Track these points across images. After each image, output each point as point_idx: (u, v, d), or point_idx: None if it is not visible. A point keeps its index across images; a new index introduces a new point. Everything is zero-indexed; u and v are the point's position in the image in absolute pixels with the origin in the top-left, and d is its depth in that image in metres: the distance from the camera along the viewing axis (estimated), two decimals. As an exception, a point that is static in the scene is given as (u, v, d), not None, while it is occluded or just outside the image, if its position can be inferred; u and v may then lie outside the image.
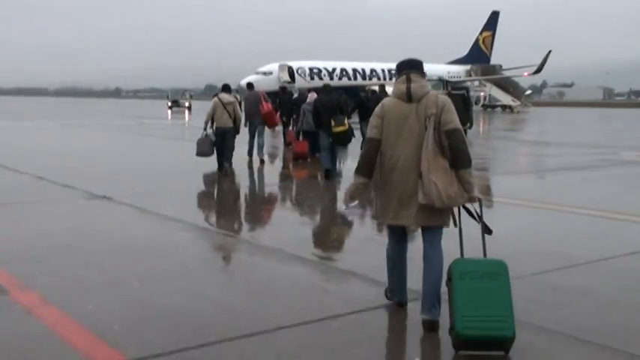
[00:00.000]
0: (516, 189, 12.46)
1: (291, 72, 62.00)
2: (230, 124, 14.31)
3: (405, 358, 4.60)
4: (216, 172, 14.27)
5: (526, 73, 70.71)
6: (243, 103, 17.74)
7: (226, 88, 15.08)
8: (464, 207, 4.88)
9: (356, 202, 5.35)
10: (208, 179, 13.78)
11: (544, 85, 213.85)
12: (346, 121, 13.16)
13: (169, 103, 66.69)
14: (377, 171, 5.02)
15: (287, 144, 20.56)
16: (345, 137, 13.14)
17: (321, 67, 65.55)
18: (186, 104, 65.28)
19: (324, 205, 11.40)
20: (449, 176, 4.70)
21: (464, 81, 65.25)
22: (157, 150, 21.44)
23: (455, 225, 4.88)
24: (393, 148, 4.89)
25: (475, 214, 4.86)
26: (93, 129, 32.36)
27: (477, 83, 70.84)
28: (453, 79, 56.32)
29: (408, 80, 4.91)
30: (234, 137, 14.58)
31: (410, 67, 4.99)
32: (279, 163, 18.19)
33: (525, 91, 77.70)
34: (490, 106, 71.38)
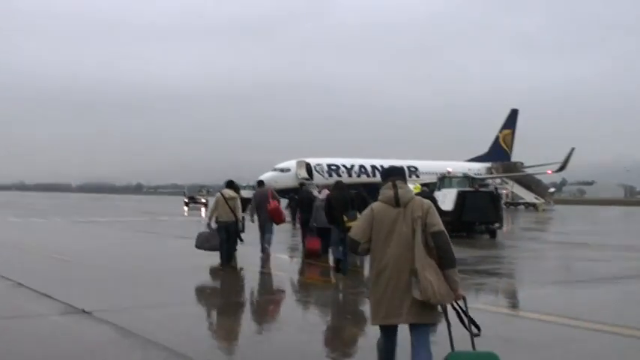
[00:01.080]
0: (557, 302, 10.88)
1: (309, 169, 61.46)
2: (232, 218, 14.82)
3: None
4: (218, 267, 14.25)
5: (549, 171, 69.70)
6: (252, 199, 18.31)
7: (230, 184, 15.63)
8: (452, 306, 5.17)
9: None
10: (209, 286, 12.46)
11: (564, 182, 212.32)
12: (358, 216, 12.92)
13: (186, 200, 66.05)
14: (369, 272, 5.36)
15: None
16: None
17: (339, 164, 65.00)
18: (203, 200, 64.60)
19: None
20: (439, 275, 5.03)
21: (488, 178, 64.32)
22: (161, 249, 20.03)
23: (446, 320, 5.18)
24: (382, 250, 5.19)
25: (462, 312, 5.16)
26: (102, 226, 31.35)
27: (498, 181, 69.67)
28: (477, 177, 55.29)
29: (394, 186, 5.31)
30: (237, 231, 14.97)
31: (395, 175, 5.42)
32: (290, 258, 17.90)
33: (549, 188, 76.34)
34: (513, 203, 69.95)
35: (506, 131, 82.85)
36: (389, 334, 5.35)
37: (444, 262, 5.09)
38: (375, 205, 5.37)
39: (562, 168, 65.67)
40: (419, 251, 5.06)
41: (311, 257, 16.46)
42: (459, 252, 18.94)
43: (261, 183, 19.94)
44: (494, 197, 25.34)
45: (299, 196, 20.68)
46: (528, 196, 69.05)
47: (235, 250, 15.17)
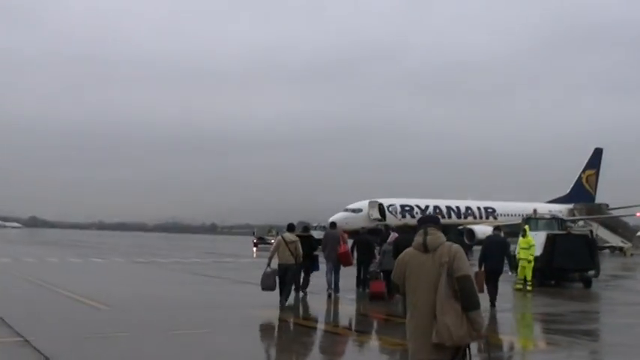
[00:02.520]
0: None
1: (381, 209, 59.12)
2: (292, 260, 15.45)
3: None
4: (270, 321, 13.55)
5: (639, 214, 65.21)
6: (323, 240, 18.92)
7: (291, 228, 16.38)
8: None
9: None
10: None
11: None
12: None
13: (255, 240, 64.47)
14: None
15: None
16: None
17: (413, 205, 62.30)
18: (272, 241, 62.89)
19: None
20: (460, 318, 5.28)
21: (571, 220, 60.54)
22: (211, 297, 17.73)
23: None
24: (413, 293, 5.53)
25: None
26: (159, 267, 29.69)
27: (581, 223, 65.49)
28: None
29: (425, 233, 5.59)
30: (295, 273, 15.94)
31: (428, 222, 5.71)
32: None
33: (637, 232, 71.41)
34: (598, 247, 65.40)
35: (590, 171, 78.82)
36: None
37: (468, 305, 5.32)
38: (408, 251, 5.71)
39: (653, 210, 61.28)
40: (440, 296, 5.34)
41: (375, 299, 16.66)
42: (551, 305, 16.38)
43: (333, 225, 20.22)
44: (589, 242, 22.34)
45: (356, 239, 19.81)
46: (614, 240, 64.47)
47: (290, 291, 15.85)
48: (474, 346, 5.55)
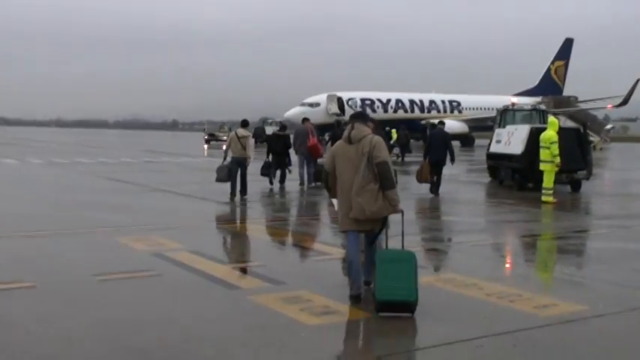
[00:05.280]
0: None
1: (340, 103, 55.67)
2: (244, 154, 16.09)
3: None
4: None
5: (610, 105, 62.79)
6: (294, 135, 20.08)
7: (244, 124, 17.15)
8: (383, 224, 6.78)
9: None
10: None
11: (607, 119, 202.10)
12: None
13: (206, 137, 60.84)
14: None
15: None
16: None
17: (374, 99, 58.97)
18: (224, 138, 59.42)
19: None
20: (373, 197, 6.53)
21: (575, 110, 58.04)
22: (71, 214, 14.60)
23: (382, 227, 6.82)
24: (341, 176, 6.79)
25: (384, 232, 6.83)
26: (74, 170, 26.06)
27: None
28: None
29: (352, 128, 6.81)
30: (246, 166, 16.32)
31: (356, 118, 6.97)
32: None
33: (605, 125, 69.21)
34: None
35: (559, 62, 75.97)
36: (351, 238, 6.92)
37: (385, 185, 6.54)
38: (338, 143, 6.98)
39: (625, 102, 58.80)
40: (358, 179, 6.57)
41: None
42: (533, 223, 13.41)
43: (304, 120, 20.92)
44: (580, 137, 19.00)
45: (332, 135, 20.58)
46: (584, 134, 62.25)
47: (246, 184, 16.42)
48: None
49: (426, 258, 9.19)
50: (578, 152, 18.34)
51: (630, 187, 20.86)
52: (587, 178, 18.84)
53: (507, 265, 9.16)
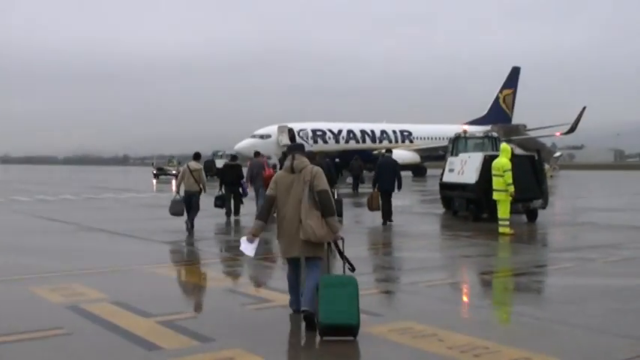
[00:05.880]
0: None
1: (292, 135, 54.80)
2: (196, 188, 16.43)
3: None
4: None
5: (558, 133, 63.41)
6: (248, 169, 20.11)
7: (196, 157, 17.27)
8: (334, 244, 7.09)
9: (257, 239, 7.28)
10: None
11: (553, 147, 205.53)
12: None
13: (154, 171, 59.26)
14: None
15: None
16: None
17: (325, 129, 58.29)
18: (173, 172, 58.01)
19: None
20: (320, 222, 6.92)
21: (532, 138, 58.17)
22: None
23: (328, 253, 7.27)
24: (283, 204, 7.15)
25: (339, 251, 7.01)
26: (17, 208, 24.55)
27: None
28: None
29: (293, 158, 7.23)
30: (199, 199, 16.50)
31: (295, 149, 7.37)
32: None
33: (553, 153, 69.86)
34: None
35: (507, 91, 76.65)
36: (292, 265, 7.43)
37: (325, 212, 6.94)
38: (279, 172, 7.46)
39: (572, 129, 59.36)
40: (304, 205, 6.97)
41: None
42: (492, 257, 12.62)
43: (257, 154, 20.87)
44: (534, 164, 18.38)
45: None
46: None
47: (195, 216, 16.47)
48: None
49: (380, 303, 8.28)
50: (533, 180, 17.72)
51: (586, 215, 20.28)
52: (544, 207, 18.21)
53: (468, 310, 8.24)
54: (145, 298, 8.49)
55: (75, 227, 17.68)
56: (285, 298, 7.78)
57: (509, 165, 15.16)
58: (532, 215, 17.91)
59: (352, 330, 6.41)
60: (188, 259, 12.99)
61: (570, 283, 9.50)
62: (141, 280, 10.15)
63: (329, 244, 7.17)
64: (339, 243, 7.03)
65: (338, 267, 7.09)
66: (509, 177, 15.05)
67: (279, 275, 9.58)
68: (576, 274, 10.32)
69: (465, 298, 8.87)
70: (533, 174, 17.80)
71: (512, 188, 15.07)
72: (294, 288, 7.38)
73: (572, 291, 8.87)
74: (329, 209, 6.92)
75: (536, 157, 18.32)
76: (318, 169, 7.09)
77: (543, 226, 17.40)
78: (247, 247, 7.29)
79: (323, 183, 6.99)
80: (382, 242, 14.86)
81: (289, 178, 7.13)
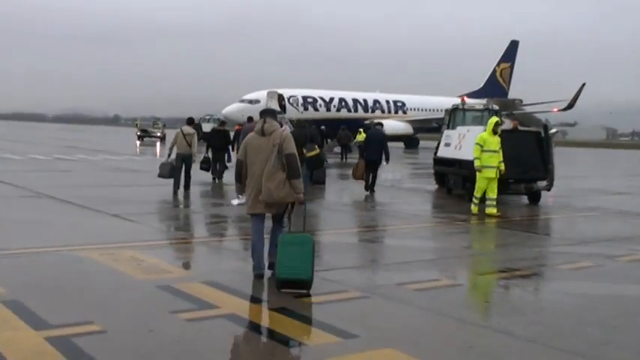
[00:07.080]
0: None
1: (281, 101, 52.68)
2: (189, 151, 16.61)
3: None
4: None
5: (556, 109, 61.58)
6: (241, 133, 20.28)
7: (189, 121, 17.49)
8: (295, 205, 7.56)
9: (242, 196, 7.79)
10: None
11: (546, 123, 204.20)
12: (317, 147, 15.73)
13: (138, 132, 57.00)
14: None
15: None
16: (318, 160, 15.96)
17: (316, 97, 56.21)
18: (158, 134, 55.82)
19: None
20: (281, 184, 7.30)
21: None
22: None
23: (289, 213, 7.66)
24: (252, 164, 7.51)
25: (289, 213, 7.66)
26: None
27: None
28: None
29: (264, 122, 7.56)
30: (192, 163, 16.74)
31: (266, 114, 7.71)
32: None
33: (551, 128, 68.04)
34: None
35: (505, 65, 74.94)
36: (256, 223, 7.70)
37: (291, 174, 7.33)
38: (250, 135, 7.71)
39: (571, 106, 57.57)
40: (269, 167, 7.32)
41: None
42: (495, 251, 10.74)
43: (250, 119, 20.74)
44: (541, 141, 16.55)
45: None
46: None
47: (190, 180, 16.86)
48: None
49: (355, 316, 6.32)
50: (538, 159, 15.87)
51: (593, 199, 18.41)
52: (549, 189, 16.35)
53: (465, 332, 6.24)
54: (49, 299, 6.54)
55: (17, 191, 15.71)
56: (236, 303, 5.97)
57: (498, 145, 13.69)
58: (535, 197, 16.11)
59: (305, 284, 6.94)
60: (135, 238, 10.27)
61: (597, 291, 7.60)
62: (57, 268, 8.00)
63: (292, 204, 7.53)
64: (303, 207, 7.51)
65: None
66: (500, 156, 13.82)
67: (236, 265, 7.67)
68: (599, 276, 8.44)
69: (460, 313, 6.74)
70: (538, 152, 15.93)
71: (503, 165, 13.85)
72: (258, 251, 7.58)
73: (602, 305, 6.99)
74: (294, 172, 7.34)
75: (543, 134, 16.43)
76: (287, 134, 7.53)
77: (547, 210, 15.56)
78: (235, 202, 8.76)
79: (291, 147, 7.40)
80: (364, 225, 12.96)
81: (259, 140, 7.50)
